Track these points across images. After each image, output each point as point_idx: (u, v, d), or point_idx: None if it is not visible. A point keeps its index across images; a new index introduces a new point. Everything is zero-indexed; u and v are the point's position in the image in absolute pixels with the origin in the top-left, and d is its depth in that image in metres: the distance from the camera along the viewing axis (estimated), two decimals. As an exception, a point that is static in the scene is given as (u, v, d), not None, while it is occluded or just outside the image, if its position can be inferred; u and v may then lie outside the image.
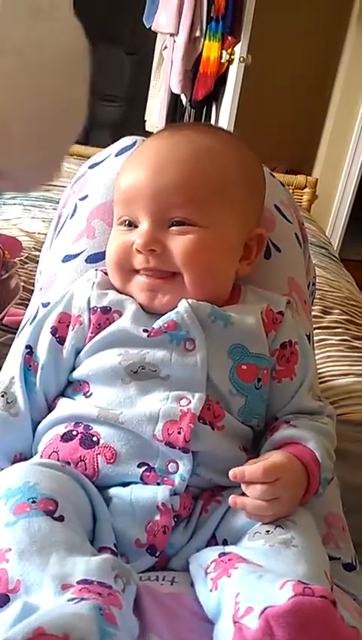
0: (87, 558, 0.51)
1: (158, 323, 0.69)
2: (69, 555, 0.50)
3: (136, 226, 0.73)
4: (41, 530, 0.52)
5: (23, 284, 1.28)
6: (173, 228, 0.71)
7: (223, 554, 0.58)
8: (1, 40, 0.29)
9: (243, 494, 0.62)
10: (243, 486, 0.62)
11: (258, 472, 0.61)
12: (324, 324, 1.50)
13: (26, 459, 0.71)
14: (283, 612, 0.46)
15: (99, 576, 0.48)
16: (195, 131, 0.77)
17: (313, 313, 1.47)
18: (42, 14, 0.30)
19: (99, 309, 0.72)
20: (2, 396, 0.71)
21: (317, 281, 1.09)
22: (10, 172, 0.35)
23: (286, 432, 0.68)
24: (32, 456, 0.70)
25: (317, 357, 1.32)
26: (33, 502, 0.54)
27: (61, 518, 0.54)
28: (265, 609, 0.47)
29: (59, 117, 0.34)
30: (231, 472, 0.62)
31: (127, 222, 0.74)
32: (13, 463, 0.71)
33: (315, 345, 1.34)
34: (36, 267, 1.11)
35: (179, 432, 0.64)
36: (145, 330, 0.69)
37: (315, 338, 1.38)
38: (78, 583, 0.48)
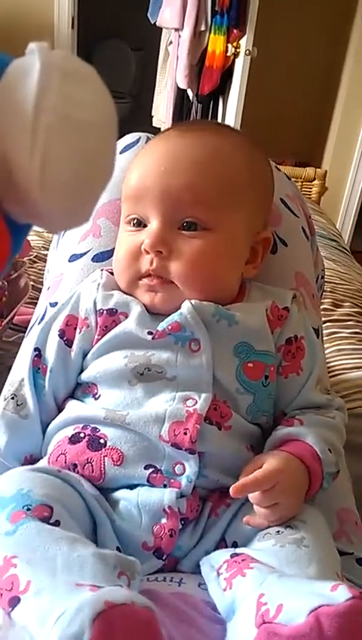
0: (91, 552, 0.50)
1: (162, 325, 0.68)
2: (72, 549, 0.50)
3: (144, 225, 0.72)
4: (41, 535, 0.52)
5: (32, 283, 1.28)
6: (183, 231, 0.70)
7: (235, 555, 0.58)
8: (39, 99, 0.35)
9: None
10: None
11: (256, 483, 0.61)
12: (335, 317, 1.49)
13: (35, 460, 0.71)
14: (340, 612, 0.45)
15: (105, 581, 0.48)
16: (206, 131, 0.77)
17: (324, 306, 1.46)
18: (74, 77, 0.36)
19: (105, 312, 0.72)
20: (12, 398, 0.72)
21: (327, 274, 1.08)
22: (48, 214, 0.39)
23: (285, 430, 0.68)
24: (41, 457, 0.71)
25: (328, 350, 1.31)
26: (28, 509, 0.54)
27: (57, 523, 0.54)
28: (318, 607, 0.45)
29: (93, 167, 0.39)
30: (231, 490, 0.61)
31: (135, 220, 0.73)
32: (23, 464, 0.71)
33: (326, 338, 1.34)
34: (45, 266, 1.11)
35: (185, 433, 0.64)
36: (150, 333, 0.69)
37: (326, 331, 1.38)
38: (90, 584, 0.48)
